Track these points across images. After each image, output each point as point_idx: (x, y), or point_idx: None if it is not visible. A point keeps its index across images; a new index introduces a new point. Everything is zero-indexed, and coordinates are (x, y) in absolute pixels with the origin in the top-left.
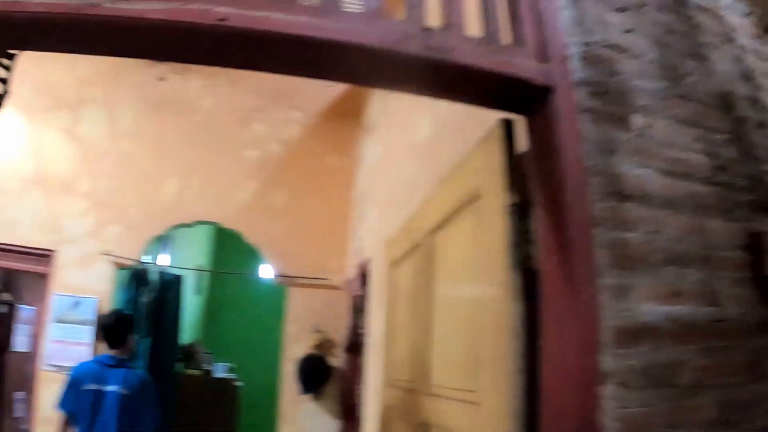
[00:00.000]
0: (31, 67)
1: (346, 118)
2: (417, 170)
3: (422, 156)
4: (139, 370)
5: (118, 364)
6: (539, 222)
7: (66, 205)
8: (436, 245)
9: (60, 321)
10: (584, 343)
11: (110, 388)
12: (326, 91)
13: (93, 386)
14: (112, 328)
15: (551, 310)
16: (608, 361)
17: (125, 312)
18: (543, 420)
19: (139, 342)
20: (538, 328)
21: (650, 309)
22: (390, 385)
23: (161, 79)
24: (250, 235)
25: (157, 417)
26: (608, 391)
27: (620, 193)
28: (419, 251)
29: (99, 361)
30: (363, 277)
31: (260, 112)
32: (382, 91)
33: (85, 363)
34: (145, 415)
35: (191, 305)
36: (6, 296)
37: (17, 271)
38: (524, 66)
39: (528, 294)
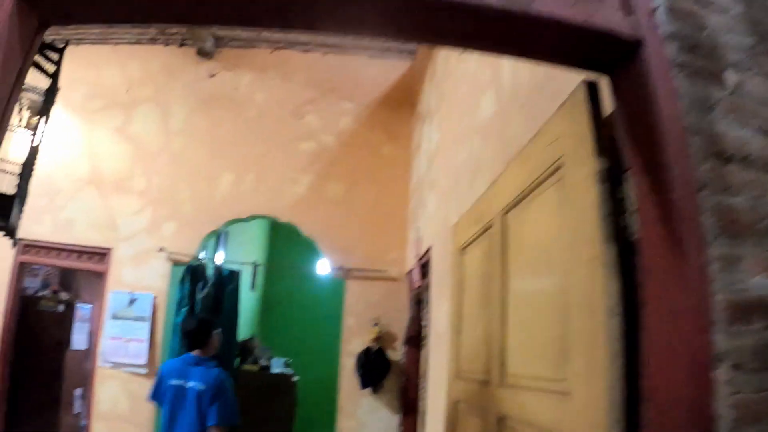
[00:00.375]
0: (84, 69)
1: (400, 106)
2: (481, 151)
3: (486, 135)
4: (216, 369)
5: (198, 362)
6: (635, 188)
7: (121, 204)
8: (510, 225)
9: (116, 318)
10: (694, 321)
11: (190, 384)
12: (379, 80)
13: (176, 382)
14: (194, 331)
15: (653, 284)
16: (720, 340)
17: (206, 317)
18: (646, 409)
19: None
20: (637, 307)
21: (762, 282)
22: (458, 378)
23: (212, 75)
24: (306, 228)
25: (232, 411)
26: (721, 374)
27: (722, 155)
28: (491, 233)
29: (183, 360)
30: (423, 267)
31: (313, 104)
32: (437, 76)
33: (172, 361)
34: (221, 408)
35: (248, 301)
36: (64, 295)
37: (75, 269)
38: (610, 18)
39: (625, 269)
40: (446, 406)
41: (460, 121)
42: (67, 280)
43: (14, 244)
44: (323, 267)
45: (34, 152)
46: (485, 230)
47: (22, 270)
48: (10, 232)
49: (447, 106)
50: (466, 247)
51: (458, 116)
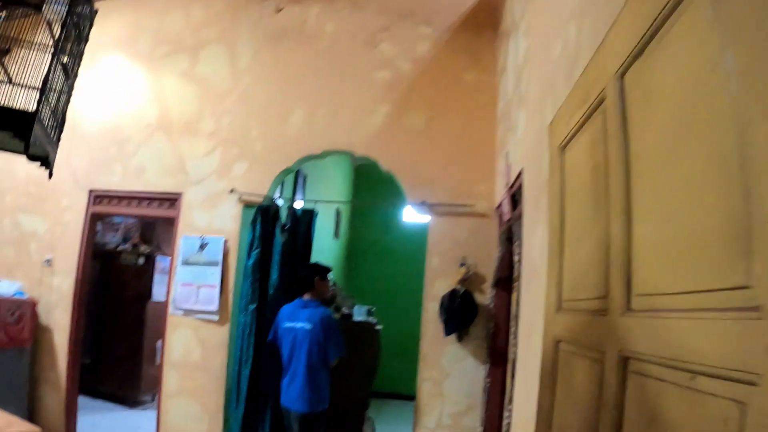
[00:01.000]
0: (147, 18)
1: (482, 28)
2: (578, 36)
3: (582, 16)
4: (320, 309)
5: (305, 305)
6: None
7: (191, 147)
8: (630, 88)
9: (187, 263)
10: None
11: (299, 325)
12: (456, 2)
13: (288, 324)
14: (302, 276)
15: None
16: None
17: (319, 263)
18: None
19: (272, 277)
20: None
21: None
22: (559, 311)
23: (279, 10)
24: (385, 162)
25: (339, 346)
26: None
27: None
28: (603, 108)
29: (294, 304)
30: (513, 197)
31: (387, 32)
32: None
33: (286, 305)
34: (329, 346)
35: (331, 248)
36: (144, 248)
37: (155, 221)
38: None
39: None
40: (543, 349)
41: (550, 14)
42: (147, 233)
43: (50, 176)
44: (408, 213)
45: (60, 72)
46: (594, 109)
47: (94, 221)
48: (45, 162)
49: (533, 6)
50: (567, 144)
51: (548, 9)
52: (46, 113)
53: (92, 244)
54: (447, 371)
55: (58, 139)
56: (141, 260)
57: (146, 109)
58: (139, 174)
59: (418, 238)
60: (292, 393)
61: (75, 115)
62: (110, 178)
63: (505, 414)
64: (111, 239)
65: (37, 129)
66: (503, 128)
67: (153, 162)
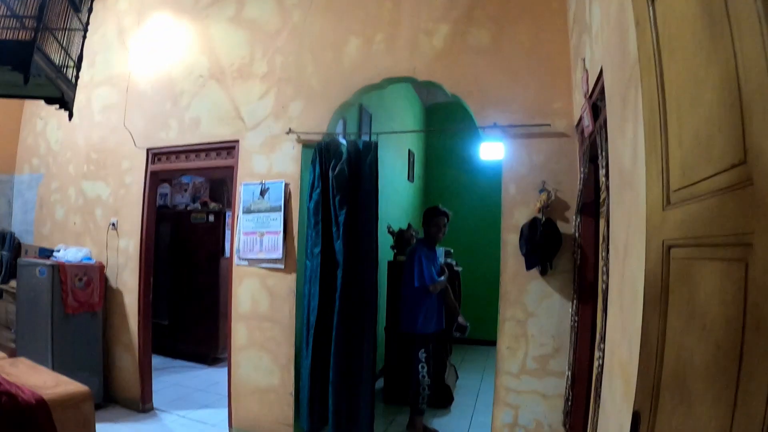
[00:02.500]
0: None
1: None
2: None
3: None
4: (413, 244)
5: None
6: None
7: (244, 92)
8: None
9: (248, 212)
10: None
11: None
12: None
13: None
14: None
15: None
16: None
17: (429, 208)
18: None
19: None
20: None
21: None
22: (668, 206)
23: None
24: (450, 85)
25: (414, 275)
26: None
27: None
28: None
29: None
30: (595, 106)
31: None
32: None
33: None
34: (407, 274)
35: (406, 192)
36: (214, 205)
37: (222, 178)
38: None
39: None
40: (647, 264)
41: None
42: (215, 190)
43: (70, 118)
44: (485, 151)
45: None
46: None
47: (154, 180)
48: (63, 104)
49: None
50: None
51: None
52: (52, 46)
53: (154, 203)
54: (530, 310)
55: (77, 79)
56: (211, 218)
57: (197, 60)
58: (194, 127)
59: (497, 177)
60: None
61: (129, 78)
62: (167, 134)
63: (597, 355)
64: (180, 200)
65: (38, 60)
66: (577, 33)
67: (207, 112)
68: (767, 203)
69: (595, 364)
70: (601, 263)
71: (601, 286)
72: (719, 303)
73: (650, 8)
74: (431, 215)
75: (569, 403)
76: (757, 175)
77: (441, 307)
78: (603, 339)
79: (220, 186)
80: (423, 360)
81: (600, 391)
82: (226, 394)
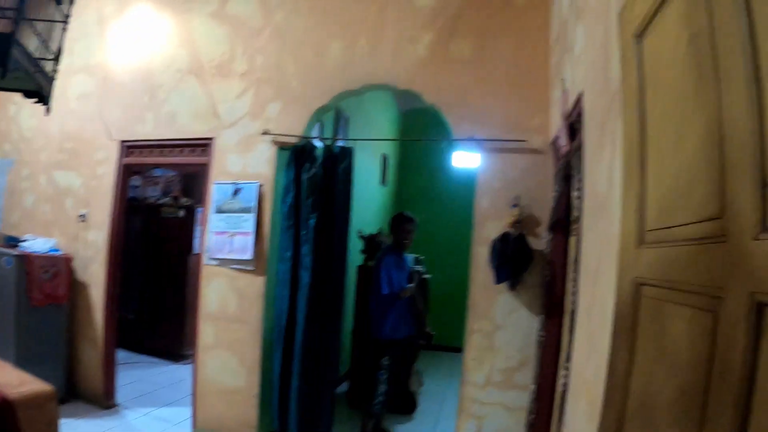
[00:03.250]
0: None
1: None
2: None
3: None
4: (383, 251)
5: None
6: None
7: (223, 89)
8: None
9: (220, 211)
10: None
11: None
12: None
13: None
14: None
15: None
16: None
17: (397, 213)
18: None
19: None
20: None
21: None
22: (641, 245)
23: None
24: (430, 95)
25: (383, 282)
26: None
27: None
28: None
29: None
30: (572, 127)
31: None
32: None
33: None
34: (377, 282)
35: (378, 196)
36: (185, 200)
37: (195, 173)
38: None
39: None
40: (617, 297)
41: None
42: (187, 185)
43: (47, 112)
44: (458, 158)
45: None
46: None
47: (127, 173)
48: (41, 98)
49: None
50: (645, 28)
51: None
52: (30, 39)
53: (126, 196)
54: (498, 322)
55: (55, 73)
56: (182, 213)
57: (176, 54)
58: (170, 121)
59: (469, 185)
60: None
61: (107, 67)
62: (143, 128)
63: (562, 372)
64: (151, 193)
65: (16, 54)
66: (558, 52)
67: (184, 108)
68: (739, 263)
69: (560, 381)
70: (569, 283)
71: (569, 305)
72: (688, 346)
73: (637, 45)
74: (398, 222)
75: (532, 416)
76: (731, 234)
77: (410, 314)
78: (569, 358)
79: (192, 180)
80: (385, 366)
81: (564, 409)
82: (191, 393)
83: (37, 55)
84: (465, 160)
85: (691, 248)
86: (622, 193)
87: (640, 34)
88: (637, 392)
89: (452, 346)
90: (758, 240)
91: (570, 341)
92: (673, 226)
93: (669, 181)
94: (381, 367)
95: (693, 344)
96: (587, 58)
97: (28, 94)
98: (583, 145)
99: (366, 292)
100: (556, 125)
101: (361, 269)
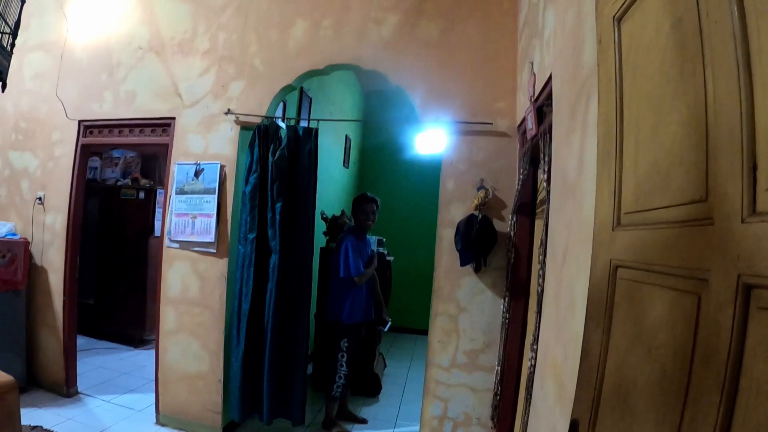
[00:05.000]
0: None
1: None
2: None
3: None
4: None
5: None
6: None
7: (184, 68)
8: None
9: (182, 192)
10: None
11: None
12: None
13: None
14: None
15: None
16: None
17: (359, 195)
18: None
19: (274, 204)
20: None
21: None
22: (618, 228)
23: None
24: (395, 76)
25: (339, 266)
26: None
27: None
28: None
29: None
30: (540, 111)
31: None
32: None
33: None
34: (335, 264)
35: (341, 178)
36: (145, 182)
37: (155, 154)
38: None
39: None
40: (591, 279)
41: None
42: (147, 167)
43: (3, 89)
44: (421, 143)
45: None
46: None
47: (85, 154)
48: None
49: None
50: (625, 11)
51: None
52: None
53: (84, 178)
54: (463, 305)
55: (12, 47)
56: (142, 195)
57: (137, 31)
58: (129, 100)
59: (433, 168)
60: None
61: (64, 44)
62: (101, 107)
63: (529, 354)
64: (110, 175)
65: None
66: (527, 36)
67: (144, 86)
68: (726, 245)
69: (527, 363)
70: (537, 265)
71: (536, 287)
72: (668, 330)
73: (616, 28)
74: (359, 202)
75: (498, 397)
76: (718, 217)
77: (369, 297)
78: (536, 340)
79: (152, 162)
80: (344, 349)
81: (531, 390)
82: (153, 379)
83: None
84: (429, 145)
85: (671, 231)
86: (597, 176)
87: (620, 18)
88: (612, 374)
89: (414, 328)
90: (746, 223)
91: (537, 324)
92: (652, 209)
93: (647, 166)
94: (339, 350)
95: (673, 326)
96: (557, 42)
97: None
98: (552, 128)
99: (327, 274)
100: (522, 109)
101: (323, 251)
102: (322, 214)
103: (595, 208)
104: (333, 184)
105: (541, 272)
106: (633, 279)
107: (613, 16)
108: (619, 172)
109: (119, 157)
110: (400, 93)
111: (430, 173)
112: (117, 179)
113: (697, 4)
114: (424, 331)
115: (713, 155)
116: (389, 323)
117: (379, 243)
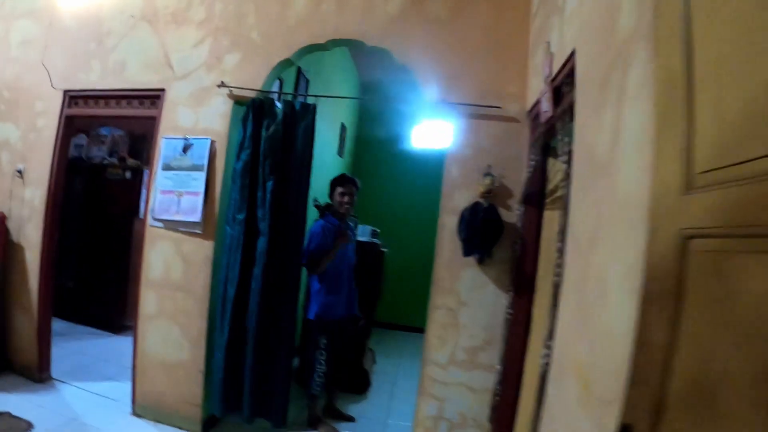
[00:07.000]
0: None
1: None
2: None
3: None
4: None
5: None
6: None
7: (177, 38)
8: None
9: (168, 168)
10: None
11: None
12: None
13: None
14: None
15: None
16: None
17: (343, 174)
18: None
19: (265, 182)
20: None
21: None
22: (692, 190)
23: None
24: (401, 54)
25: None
26: None
27: None
28: None
29: None
30: (558, 91)
31: None
32: None
33: None
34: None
35: (334, 166)
36: (132, 162)
37: (143, 135)
38: None
39: None
40: (649, 256)
41: None
42: (136, 146)
43: None
44: (418, 138)
45: None
46: None
47: (69, 125)
48: None
49: None
50: None
51: None
52: None
53: (67, 151)
54: (463, 299)
55: None
56: (128, 174)
57: None
58: (118, 70)
59: (429, 164)
60: None
61: (53, 11)
62: (87, 76)
63: (543, 352)
64: (97, 153)
65: None
66: (542, 15)
67: (134, 56)
68: None
69: (536, 362)
70: (546, 259)
71: (549, 281)
72: None
73: None
74: (335, 183)
75: (497, 398)
76: None
77: (352, 290)
78: (551, 336)
79: (140, 142)
80: (322, 347)
81: (543, 391)
82: (131, 367)
83: None
84: (425, 139)
85: None
86: (655, 137)
87: None
88: (689, 369)
89: (406, 324)
90: None
91: (552, 318)
92: (746, 161)
93: (735, 114)
94: (317, 347)
95: None
96: (583, 13)
97: None
98: (576, 106)
99: None
100: (534, 93)
101: None
102: (315, 201)
103: (654, 175)
104: (327, 172)
105: (558, 263)
106: (719, 249)
107: None
108: (689, 127)
109: (107, 136)
110: (398, 83)
111: (427, 164)
112: (103, 158)
113: None
114: (417, 329)
115: None
116: (361, 319)
117: (373, 234)
